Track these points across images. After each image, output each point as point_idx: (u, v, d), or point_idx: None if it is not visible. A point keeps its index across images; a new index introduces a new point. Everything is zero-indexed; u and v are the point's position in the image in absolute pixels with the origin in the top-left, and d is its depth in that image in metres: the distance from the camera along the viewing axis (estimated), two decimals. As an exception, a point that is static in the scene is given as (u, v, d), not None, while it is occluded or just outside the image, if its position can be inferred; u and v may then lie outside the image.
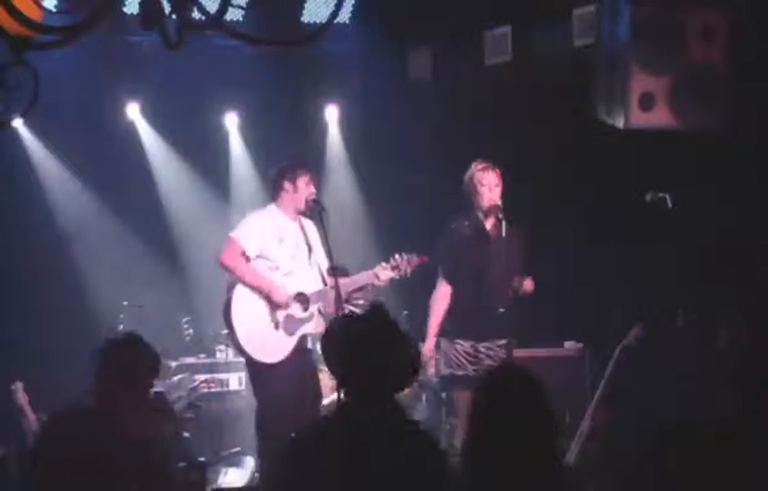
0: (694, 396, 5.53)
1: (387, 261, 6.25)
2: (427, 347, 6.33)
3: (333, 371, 3.58)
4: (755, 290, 6.07)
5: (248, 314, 6.01)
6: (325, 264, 6.01)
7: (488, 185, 6.17)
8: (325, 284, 6.07)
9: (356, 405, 3.24)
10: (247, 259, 6.04)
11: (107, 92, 7.89)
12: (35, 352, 7.53)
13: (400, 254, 6.20)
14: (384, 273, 6.15)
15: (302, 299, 6.08)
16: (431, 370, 6.65)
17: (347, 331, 3.37)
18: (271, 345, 6.01)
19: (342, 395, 3.29)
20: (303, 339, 6.09)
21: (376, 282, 6.19)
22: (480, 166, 6.23)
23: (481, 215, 6.23)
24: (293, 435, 3.55)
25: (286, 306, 6.02)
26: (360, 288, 6.24)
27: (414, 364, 3.35)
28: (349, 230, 8.06)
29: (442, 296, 6.33)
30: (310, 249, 6.15)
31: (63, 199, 8.12)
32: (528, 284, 6.23)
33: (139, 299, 7.56)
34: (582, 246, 7.24)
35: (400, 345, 3.31)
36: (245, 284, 6.01)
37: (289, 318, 6.04)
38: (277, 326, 6.04)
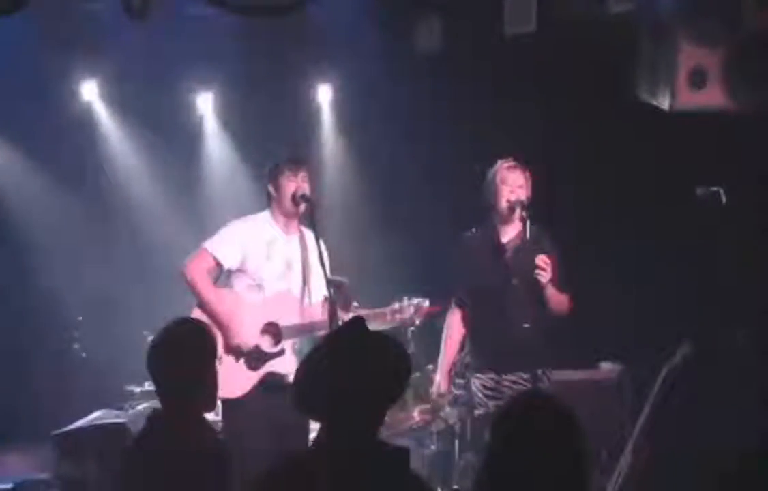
0: (754, 427, 5.32)
1: (395, 291, 5.83)
2: (442, 384, 6.05)
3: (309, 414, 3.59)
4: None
5: None
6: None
7: (511, 185, 5.81)
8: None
9: (333, 438, 3.05)
10: (218, 271, 5.59)
11: (60, 69, 7.67)
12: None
13: (409, 297, 5.77)
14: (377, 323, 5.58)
15: (273, 330, 5.49)
16: (447, 409, 6.39)
17: (307, 360, 3.17)
18: (228, 379, 5.37)
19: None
20: (270, 375, 5.50)
21: None
22: (507, 164, 5.88)
23: (497, 219, 5.88)
24: (268, 470, 3.24)
25: (243, 347, 5.48)
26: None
27: (400, 368, 3.12)
28: (344, 229, 7.75)
29: (455, 323, 6.01)
30: (307, 270, 5.65)
31: (8, 193, 7.94)
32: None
33: (97, 311, 7.42)
34: (621, 251, 7.06)
35: (373, 356, 3.08)
36: (201, 306, 5.50)
37: (254, 350, 5.46)
38: (237, 358, 5.48)
